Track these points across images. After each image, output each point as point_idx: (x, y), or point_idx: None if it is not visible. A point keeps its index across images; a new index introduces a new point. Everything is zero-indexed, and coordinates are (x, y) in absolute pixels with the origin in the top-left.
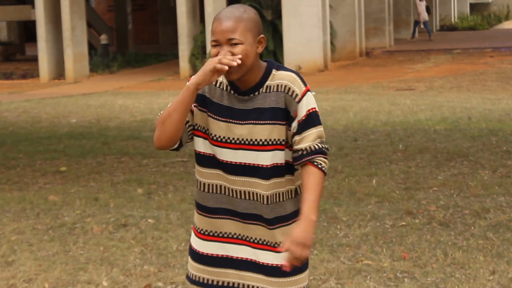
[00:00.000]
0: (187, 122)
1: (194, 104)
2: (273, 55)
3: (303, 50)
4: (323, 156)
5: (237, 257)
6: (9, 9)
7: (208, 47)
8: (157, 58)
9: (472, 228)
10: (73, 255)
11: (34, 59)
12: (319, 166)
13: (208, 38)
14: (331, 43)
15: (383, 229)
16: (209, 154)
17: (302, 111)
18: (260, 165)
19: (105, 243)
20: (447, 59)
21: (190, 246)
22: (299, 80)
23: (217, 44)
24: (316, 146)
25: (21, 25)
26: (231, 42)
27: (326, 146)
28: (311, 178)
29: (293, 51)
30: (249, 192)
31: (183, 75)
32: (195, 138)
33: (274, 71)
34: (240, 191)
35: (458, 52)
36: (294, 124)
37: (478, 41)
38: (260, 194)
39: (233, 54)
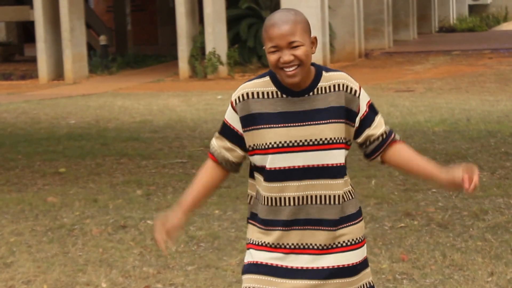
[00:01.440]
0: (228, 160)
1: (244, 129)
2: None
3: None
4: (394, 133)
5: (296, 267)
6: (8, 9)
7: (208, 48)
8: (156, 59)
9: (471, 229)
10: (72, 257)
11: (33, 60)
12: (403, 141)
13: (208, 39)
14: (330, 44)
15: (382, 230)
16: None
17: (363, 105)
18: (326, 165)
19: (104, 244)
20: (446, 60)
21: (250, 263)
22: (351, 78)
23: (276, 49)
24: (388, 129)
25: (19, 25)
26: (292, 45)
27: (389, 126)
28: (408, 150)
29: None
30: (314, 196)
31: (182, 76)
32: (254, 157)
33: (324, 73)
34: (304, 196)
35: (457, 54)
36: (357, 119)
37: (476, 43)
38: (327, 196)
39: (295, 56)
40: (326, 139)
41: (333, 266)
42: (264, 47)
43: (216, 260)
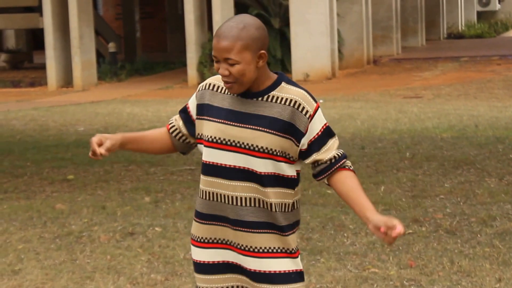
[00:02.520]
0: (179, 133)
1: (196, 117)
2: (281, 63)
3: (311, 58)
4: (347, 159)
5: (231, 261)
6: (17, 17)
7: None
8: (165, 66)
9: (479, 236)
10: (80, 264)
11: (42, 67)
12: (351, 168)
13: None
14: (339, 51)
15: None
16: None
17: (316, 127)
18: (254, 171)
19: (112, 251)
20: (454, 67)
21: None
22: (309, 98)
23: (217, 60)
24: (340, 153)
25: (29, 33)
26: (228, 62)
27: (342, 151)
28: (353, 180)
29: (301, 59)
30: (244, 198)
31: (191, 83)
32: (200, 146)
33: (283, 84)
34: (233, 197)
35: (465, 60)
36: (304, 141)
37: (485, 49)
38: (256, 198)
39: (230, 72)
40: (256, 146)
41: (250, 269)
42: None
43: None
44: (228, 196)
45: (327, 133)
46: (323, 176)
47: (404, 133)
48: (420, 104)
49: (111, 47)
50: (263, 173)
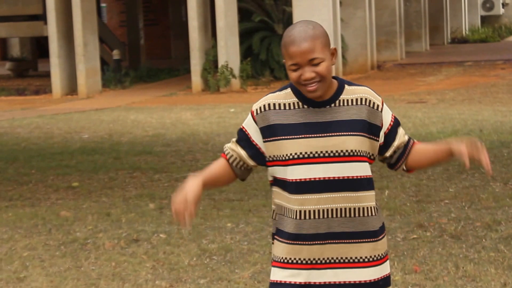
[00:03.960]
0: (239, 162)
1: (264, 140)
2: (285, 69)
3: None
4: (411, 138)
5: (319, 282)
6: (22, 25)
7: (220, 61)
8: (169, 73)
9: (484, 240)
10: (84, 271)
11: (47, 75)
12: (418, 141)
13: (221, 52)
14: (343, 56)
15: (395, 242)
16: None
17: (388, 119)
18: (347, 177)
19: (116, 258)
20: (458, 71)
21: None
22: (374, 93)
23: (297, 67)
24: (408, 136)
25: (33, 41)
26: (312, 63)
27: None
28: (421, 145)
29: None
30: (334, 209)
31: (195, 90)
32: (272, 169)
33: (346, 86)
34: (325, 210)
35: (470, 65)
36: (381, 133)
37: (489, 54)
38: (346, 208)
39: (316, 73)
40: (347, 151)
41: (355, 282)
42: (283, 61)
43: (228, 273)
44: (329, 210)
45: (397, 123)
46: (401, 162)
47: None
48: (424, 109)
49: (115, 54)
50: (356, 177)
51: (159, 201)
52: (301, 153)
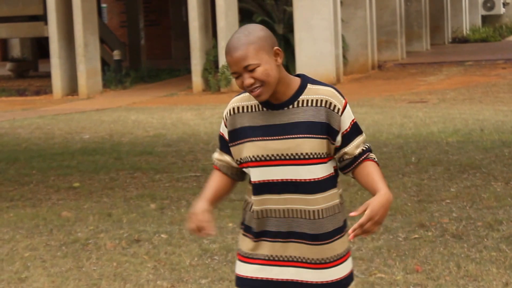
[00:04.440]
0: (230, 168)
1: (231, 144)
2: (286, 69)
3: (316, 64)
4: (371, 152)
5: (280, 279)
6: (22, 25)
7: (221, 61)
8: (170, 73)
9: (485, 240)
10: (86, 271)
11: (47, 76)
12: (375, 160)
13: (221, 52)
14: (343, 56)
15: (396, 242)
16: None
17: (346, 123)
18: (303, 180)
19: (118, 258)
20: (459, 71)
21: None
22: (338, 94)
23: (238, 75)
24: (365, 147)
25: (34, 41)
26: (248, 69)
27: (369, 145)
28: (373, 168)
29: (305, 65)
30: (294, 210)
31: (196, 90)
32: (247, 170)
33: (309, 85)
34: (285, 210)
35: (470, 64)
36: (339, 138)
37: (490, 53)
38: (305, 210)
39: (255, 78)
40: (302, 153)
41: (316, 282)
42: None
43: (230, 273)
44: (288, 210)
45: (355, 129)
46: (349, 169)
47: (410, 138)
48: (425, 109)
49: (116, 54)
50: (312, 180)
51: (160, 201)
52: (258, 155)
